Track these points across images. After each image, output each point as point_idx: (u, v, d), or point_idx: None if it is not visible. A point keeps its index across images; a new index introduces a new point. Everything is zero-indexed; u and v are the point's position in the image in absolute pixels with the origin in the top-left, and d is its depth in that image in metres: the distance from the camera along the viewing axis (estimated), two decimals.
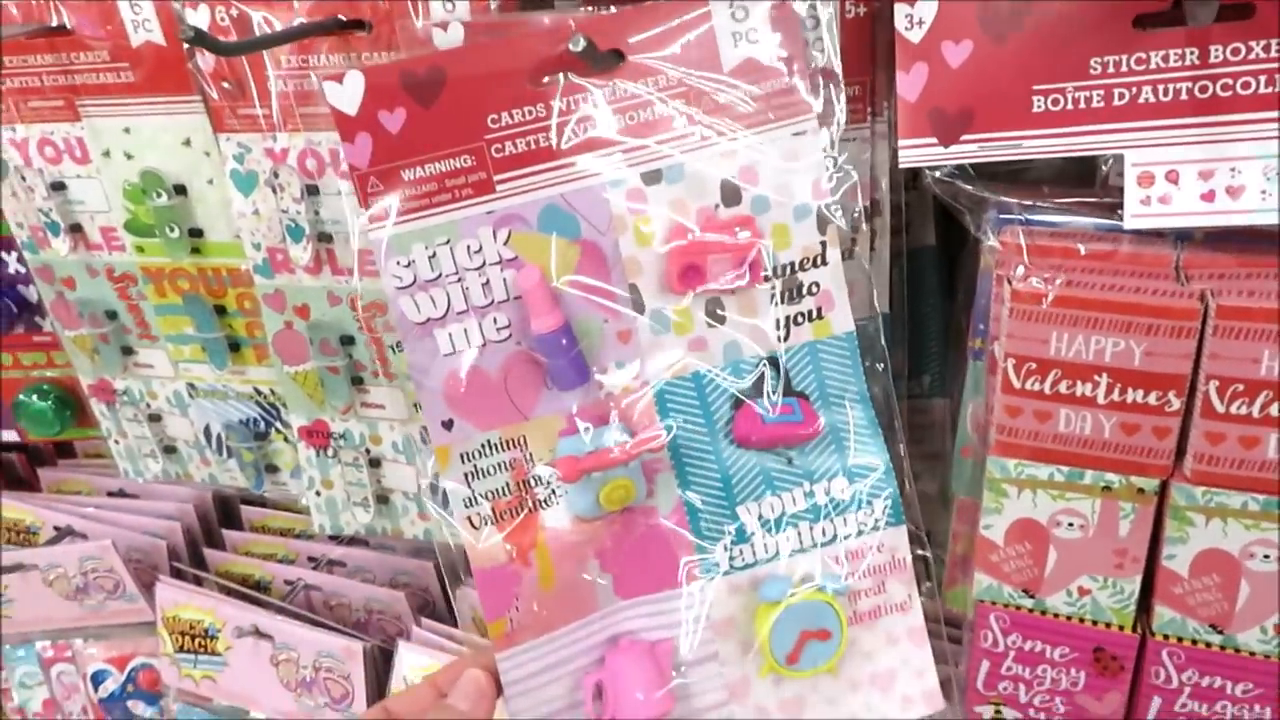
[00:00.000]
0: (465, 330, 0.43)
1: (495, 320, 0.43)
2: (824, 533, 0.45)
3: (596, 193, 0.42)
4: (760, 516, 0.45)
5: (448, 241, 0.42)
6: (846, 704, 0.46)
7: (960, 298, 0.48)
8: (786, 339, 0.43)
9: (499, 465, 0.44)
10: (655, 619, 0.45)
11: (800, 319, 0.43)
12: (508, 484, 0.44)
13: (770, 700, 0.45)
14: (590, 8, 0.40)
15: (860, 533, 0.44)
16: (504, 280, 0.42)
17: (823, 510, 0.45)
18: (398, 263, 0.41)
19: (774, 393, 0.43)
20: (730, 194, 0.41)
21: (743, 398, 0.44)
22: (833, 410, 0.44)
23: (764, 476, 0.45)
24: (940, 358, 0.51)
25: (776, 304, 0.42)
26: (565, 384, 0.44)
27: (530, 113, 0.41)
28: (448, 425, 0.43)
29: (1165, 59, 0.36)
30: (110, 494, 0.81)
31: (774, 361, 0.43)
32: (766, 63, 0.38)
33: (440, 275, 0.42)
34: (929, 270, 0.49)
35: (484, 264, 0.42)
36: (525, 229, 0.42)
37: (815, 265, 0.42)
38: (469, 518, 0.44)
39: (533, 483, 0.44)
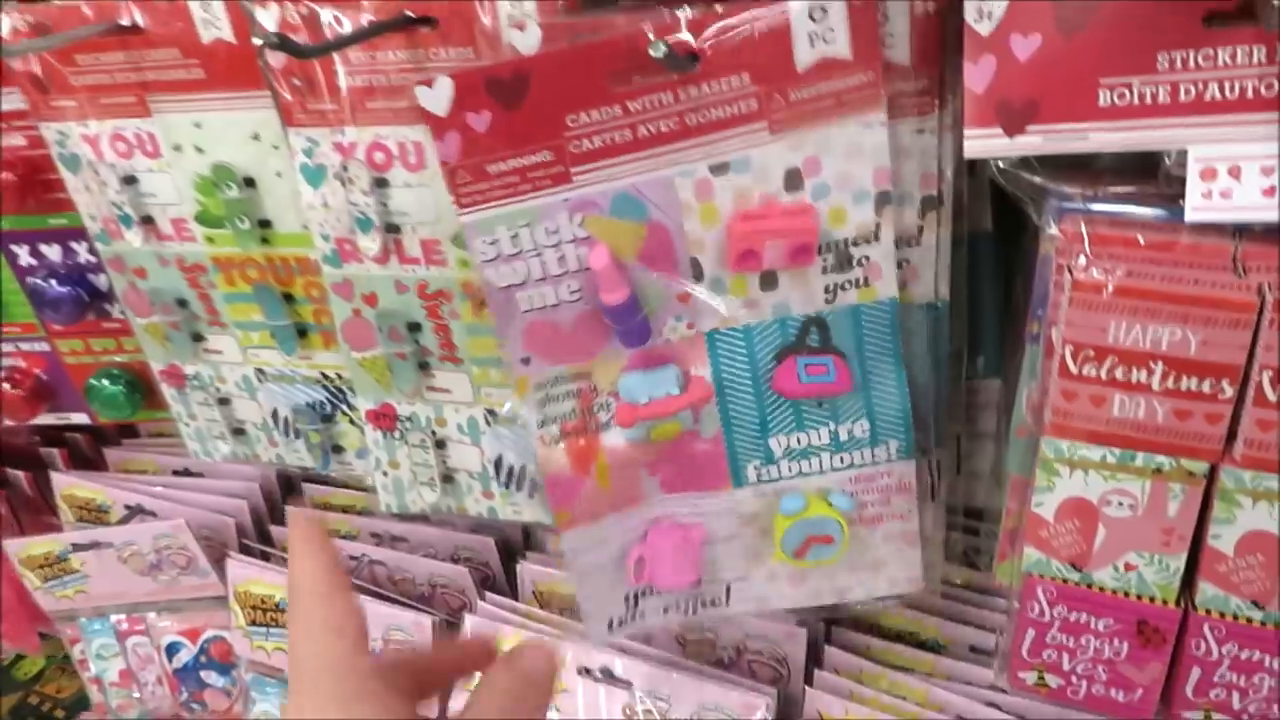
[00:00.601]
0: (542, 293, 0.47)
1: (569, 286, 0.47)
2: (842, 461, 0.51)
3: (666, 181, 0.45)
4: (787, 447, 0.51)
5: (528, 224, 0.46)
6: (842, 579, 0.54)
7: (1018, 283, 0.50)
8: (832, 301, 0.46)
9: (568, 393, 0.51)
10: (691, 509, 0.54)
11: (847, 285, 0.46)
12: (574, 409, 0.51)
13: (780, 570, 0.55)
14: (667, 8, 0.42)
15: (875, 463, 0.50)
16: (577, 255, 0.47)
17: (844, 444, 0.50)
18: (484, 241, 0.46)
19: (814, 350, 0.48)
20: (793, 181, 0.44)
21: (785, 353, 0.48)
22: (867, 365, 0.48)
23: (795, 416, 0.50)
24: (995, 340, 0.53)
25: (826, 273, 0.46)
26: (630, 344, 0.49)
27: (607, 113, 0.42)
28: (525, 361, 0.49)
29: (1233, 56, 0.37)
30: (175, 473, 0.84)
31: (819, 321, 0.47)
32: (840, 59, 0.40)
33: (521, 251, 0.46)
34: (986, 255, 0.50)
35: (560, 242, 0.46)
36: (598, 213, 0.46)
37: (868, 241, 0.45)
38: (541, 436, 0.51)
39: (596, 409, 0.50)
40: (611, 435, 0.51)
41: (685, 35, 0.40)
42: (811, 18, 0.39)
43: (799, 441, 0.50)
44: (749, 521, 0.53)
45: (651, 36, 0.40)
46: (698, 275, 0.46)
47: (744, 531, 0.53)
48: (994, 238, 0.51)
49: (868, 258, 0.45)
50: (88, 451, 0.90)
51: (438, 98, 0.43)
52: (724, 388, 0.49)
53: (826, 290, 0.46)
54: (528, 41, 0.46)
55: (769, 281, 0.46)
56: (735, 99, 0.41)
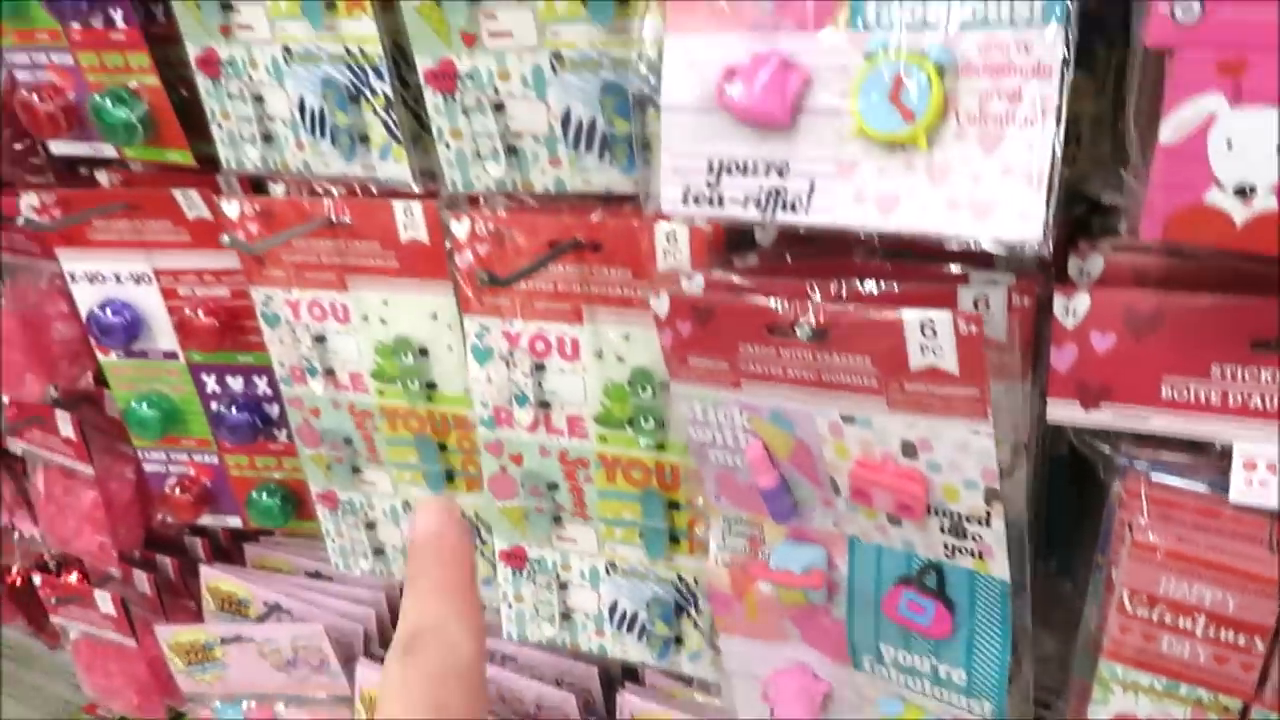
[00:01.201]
0: (725, 456, 0.58)
1: (739, 460, 0.57)
2: (939, 695, 0.56)
3: (809, 413, 0.53)
4: (895, 659, 0.57)
5: (713, 405, 0.56)
6: None
7: (1091, 509, 0.58)
8: (951, 558, 0.53)
9: (742, 534, 0.61)
10: (822, 667, 0.62)
11: (963, 551, 0.53)
12: (745, 547, 0.61)
13: None
14: (810, 283, 0.52)
15: (969, 713, 0.56)
16: (747, 440, 0.56)
17: (941, 681, 0.56)
18: (685, 406, 0.57)
19: (925, 590, 0.54)
20: (908, 450, 0.51)
21: (901, 581, 0.55)
22: (975, 626, 0.54)
23: (904, 635, 0.56)
24: (1066, 546, 0.62)
25: (944, 533, 0.53)
26: (777, 519, 0.58)
27: (765, 351, 0.52)
28: (717, 497, 0.61)
29: (1273, 376, 0.45)
30: (308, 574, 0.94)
31: (938, 567, 0.54)
32: (948, 371, 0.47)
33: (709, 421, 0.57)
34: (1060, 476, 0.59)
35: (734, 426, 0.56)
36: (759, 416, 0.55)
37: (980, 523, 0.51)
38: (715, 556, 0.63)
39: (760, 554, 0.60)
40: (764, 582, 0.61)
41: (823, 319, 0.49)
42: (922, 332, 0.47)
43: (904, 658, 0.57)
44: (867, 700, 0.60)
45: (794, 317, 0.50)
46: (835, 490, 0.55)
47: (864, 707, 0.61)
48: (1066, 459, 0.59)
49: (980, 536, 0.51)
50: (225, 543, 1.01)
51: (660, 306, 0.55)
52: (854, 586, 0.57)
53: (945, 546, 0.53)
54: (693, 288, 0.57)
55: (895, 519, 0.54)
56: (858, 373, 0.50)
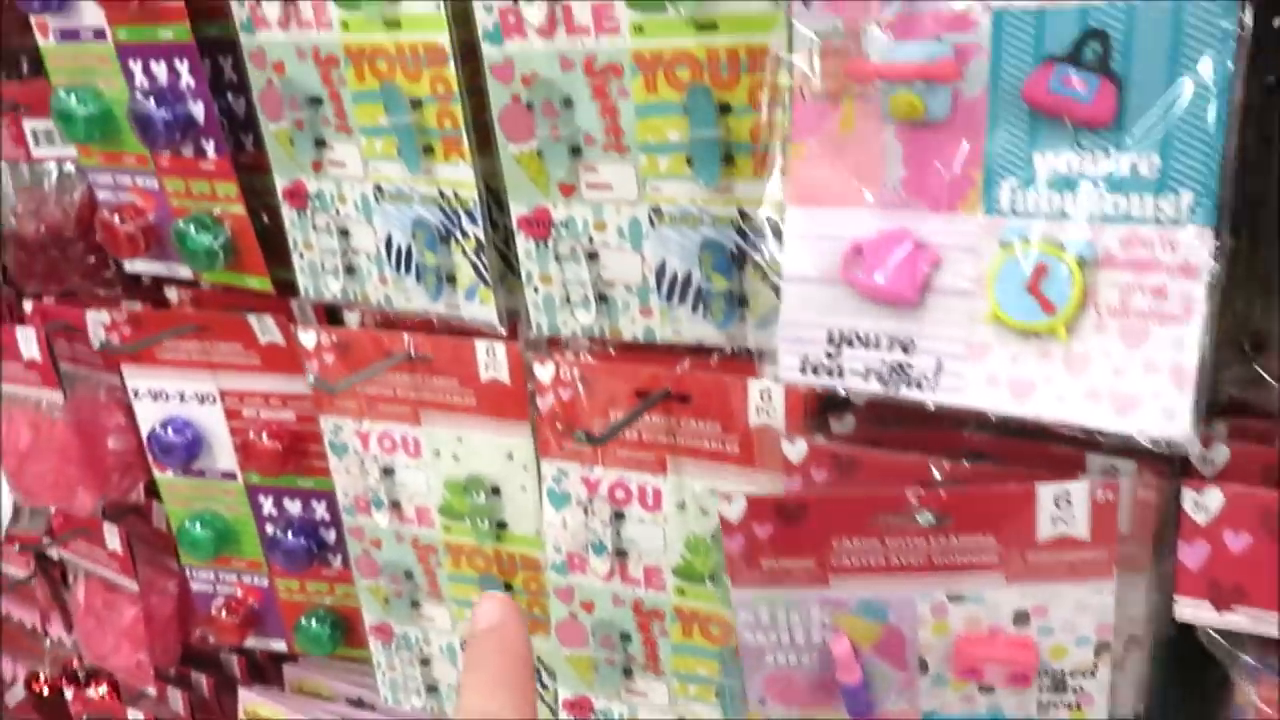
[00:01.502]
0: (787, 656, 0.55)
1: (810, 655, 0.55)
2: None
3: (908, 599, 0.52)
4: None
5: (784, 606, 0.54)
6: None
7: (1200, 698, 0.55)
8: (1044, 714, 0.52)
9: None
10: None
11: (1059, 704, 0.52)
12: None
13: None
14: (934, 463, 0.50)
15: None
16: (821, 637, 0.54)
17: None
18: (745, 611, 0.55)
19: None
20: (1020, 620, 0.50)
21: None
22: None
23: None
24: None
25: (1041, 691, 0.52)
26: (855, 714, 0.56)
27: (867, 543, 0.50)
28: (761, 702, 0.57)
29: None
30: (349, 700, 0.90)
31: None
32: (1079, 539, 0.47)
33: (775, 622, 0.55)
34: (1170, 661, 0.57)
35: (809, 625, 0.54)
36: (845, 611, 0.53)
37: (1085, 676, 0.51)
38: None
39: None
40: None
41: (944, 501, 0.48)
42: (1056, 504, 0.47)
43: None
44: None
45: (916, 503, 0.48)
46: (923, 669, 0.53)
47: None
48: (1175, 641, 0.57)
49: (1082, 688, 0.51)
50: (262, 661, 0.98)
51: (734, 510, 0.52)
52: None
53: (1039, 704, 0.52)
54: (798, 451, 0.55)
55: (987, 688, 0.52)
56: (978, 551, 0.49)
